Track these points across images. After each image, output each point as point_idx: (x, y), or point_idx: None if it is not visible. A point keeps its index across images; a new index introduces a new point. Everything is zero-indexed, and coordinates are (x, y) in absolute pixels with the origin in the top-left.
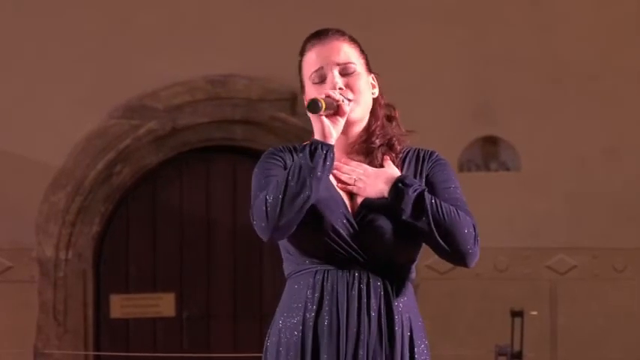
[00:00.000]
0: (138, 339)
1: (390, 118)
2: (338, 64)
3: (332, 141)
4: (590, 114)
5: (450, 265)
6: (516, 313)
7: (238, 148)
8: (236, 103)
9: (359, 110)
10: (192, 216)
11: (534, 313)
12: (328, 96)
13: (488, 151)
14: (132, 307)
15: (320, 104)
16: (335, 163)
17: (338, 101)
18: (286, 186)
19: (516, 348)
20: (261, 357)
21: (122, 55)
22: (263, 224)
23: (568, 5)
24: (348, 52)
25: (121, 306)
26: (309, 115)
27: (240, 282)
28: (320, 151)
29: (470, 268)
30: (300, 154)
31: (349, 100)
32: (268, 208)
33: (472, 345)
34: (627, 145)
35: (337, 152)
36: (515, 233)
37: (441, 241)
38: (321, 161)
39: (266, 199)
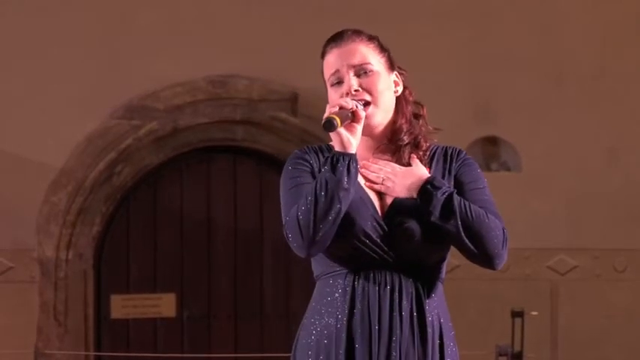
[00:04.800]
0: (138, 339)
1: (417, 116)
2: (354, 66)
3: (352, 150)
4: (590, 114)
5: (450, 266)
6: (517, 314)
7: (239, 149)
8: (237, 104)
9: (378, 112)
10: (193, 216)
11: (535, 313)
12: (341, 107)
13: (489, 152)
14: (132, 308)
15: (335, 122)
16: (363, 161)
17: (352, 109)
18: (316, 202)
19: (517, 348)
20: (261, 358)
21: (123, 55)
22: (299, 243)
23: (568, 5)
24: (364, 53)
25: (121, 306)
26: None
27: (241, 282)
28: (342, 162)
29: (496, 270)
30: (324, 168)
31: (366, 103)
32: (302, 227)
33: (473, 345)
34: (628, 145)
35: (364, 151)
36: (515, 234)
37: (469, 243)
38: (345, 172)
39: (298, 217)
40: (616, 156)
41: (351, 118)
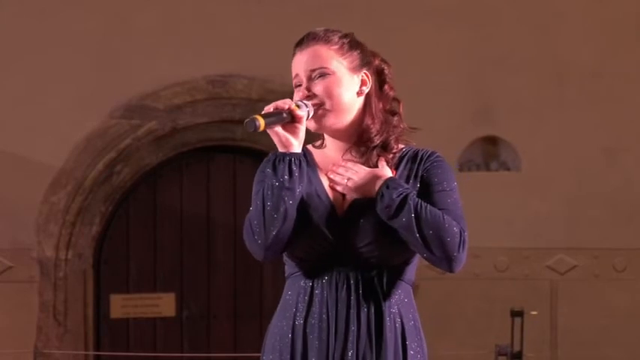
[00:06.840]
0: (138, 339)
1: (393, 113)
2: (310, 70)
3: (294, 149)
4: (590, 114)
5: None
6: (516, 313)
7: (238, 148)
8: (236, 103)
9: (330, 115)
10: (193, 216)
11: (534, 313)
12: (276, 107)
13: (489, 151)
14: (132, 307)
15: (257, 123)
16: (331, 164)
17: (288, 108)
18: (263, 205)
19: (516, 348)
20: (260, 357)
21: (122, 55)
22: (253, 247)
23: (568, 5)
24: (322, 56)
25: (121, 306)
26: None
27: (241, 282)
28: (283, 162)
29: (454, 273)
30: (267, 170)
31: (317, 104)
32: (254, 231)
33: (472, 345)
34: (627, 145)
35: (335, 152)
36: (515, 233)
37: (424, 245)
38: (286, 172)
39: (250, 221)
40: (615, 156)
41: (288, 118)
